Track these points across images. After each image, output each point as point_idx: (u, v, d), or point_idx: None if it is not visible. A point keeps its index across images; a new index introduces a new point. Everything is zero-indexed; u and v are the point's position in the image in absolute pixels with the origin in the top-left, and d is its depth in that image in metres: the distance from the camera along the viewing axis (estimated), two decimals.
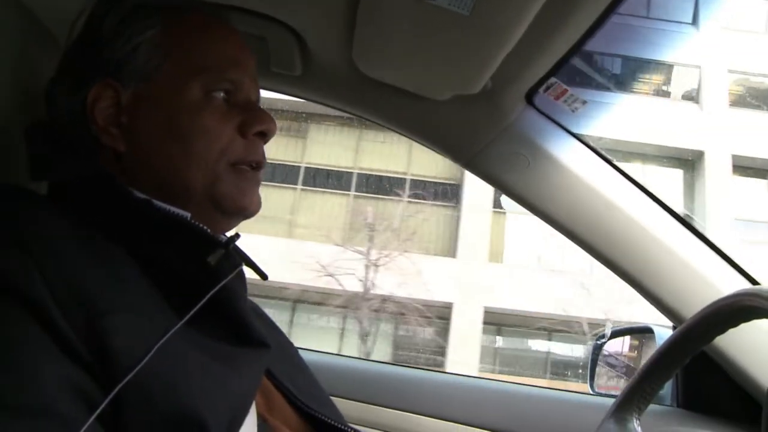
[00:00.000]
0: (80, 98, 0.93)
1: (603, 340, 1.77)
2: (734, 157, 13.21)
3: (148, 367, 0.74)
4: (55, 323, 0.72)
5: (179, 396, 0.76)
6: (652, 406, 1.11)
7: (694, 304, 1.29)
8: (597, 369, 1.75)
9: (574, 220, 1.40)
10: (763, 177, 13.44)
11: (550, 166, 1.39)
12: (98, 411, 0.70)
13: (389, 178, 13.43)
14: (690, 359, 1.02)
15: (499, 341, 13.40)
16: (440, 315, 12.35)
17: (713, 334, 0.96)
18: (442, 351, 12.27)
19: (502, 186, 1.43)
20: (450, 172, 13.55)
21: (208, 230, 0.89)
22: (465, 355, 11.83)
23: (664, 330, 1.56)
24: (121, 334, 0.75)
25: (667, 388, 1.54)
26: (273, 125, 0.98)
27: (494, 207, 13.46)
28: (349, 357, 1.77)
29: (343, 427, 1.04)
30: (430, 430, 1.53)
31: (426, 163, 13.24)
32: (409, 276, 11.80)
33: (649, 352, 1.40)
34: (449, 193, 13.72)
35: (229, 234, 0.96)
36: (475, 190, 13.14)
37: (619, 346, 1.80)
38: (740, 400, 1.39)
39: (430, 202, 13.35)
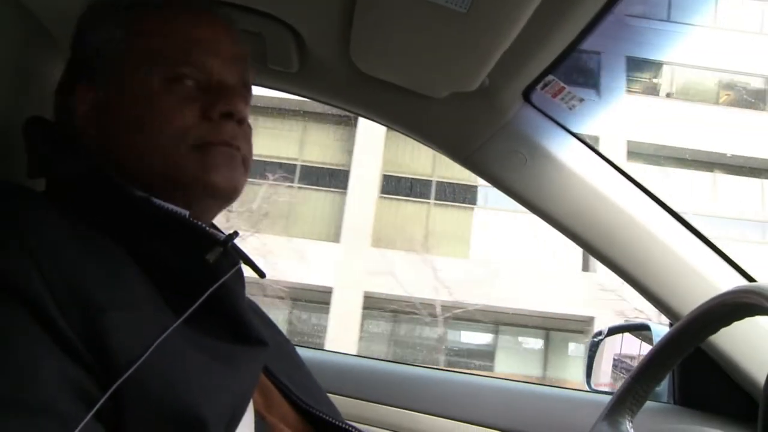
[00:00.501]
0: (70, 102, 0.95)
1: (600, 338, 1.77)
2: None
3: (147, 365, 0.74)
4: (53, 321, 0.72)
5: (178, 393, 0.76)
6: (649, 404, 1.11)
7: (690, 301, 1.30)
8: (593, 366, 1.76)
9: (571, 218, 1.40)
10: None
11: (548, 164, 1.40)
12: (96, 407, 0.70)
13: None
14: (686, 356, 1.02)
15: (379, 326, 13.46)
16: (321, 299, 12.40)
17: (710, 331, 0.96)
18: (321, 334, 12.35)
19: (499, 183, 1.43)
20: (340, 158, 13.74)
21: (207, 228, 0.89)
22: (344, 337, 11.90)
23: (661, 327, 1.57)
24: (120, 331, 0.75)
25: (664, 386, 1.54)
26: (239, 104, 0.95)
27: (381, 193, 13.71)
28: (346, 354, 1.77)
29: (340, 424, 1.04)
30: (427, 427, 1.54)
31: (318, 149, 13.43)
32: (278, 258, 11.70)
33: (646, 349, 1.40)
34: (337, 178, 13.81)
35: (227, 232, 0.96)
36: (362, 175, 13.44)
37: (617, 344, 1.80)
38: (737, 396, 1.39)
39: (312, 186, 13.45)
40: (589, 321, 12.69)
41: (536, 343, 13.98)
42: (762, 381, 0.93)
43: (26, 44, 1.10)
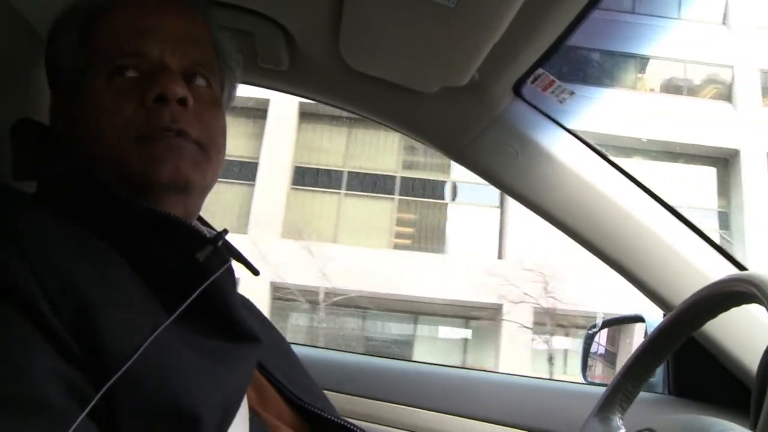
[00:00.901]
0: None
1: (594, 330, 1.77)
2: None
3: (140, 363, 0.74)
4: (46, 320, 0.72)
5: (171, 391, 0.76)
6: (643, 394, 1.12)
7: (682, 292, 1.30)
8: (588, 358, 1.76)
9: (563, 211, 1.41)
10: None
11: (539, 157, 1.40)
12: (90, 406, 0.70)
13: None
14: (680, 346, 1.02)
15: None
16: None
17: (702, 320, 0.96)
18: None
19: (491, 177, 1.44)
20: (250, 151, 14.04)
21: (196, 226, 0.89)
22: None
23: (655, 318, 1.57)
24: (113, 330, 0.75)
25: (659, 376, 1.54)
26: (169, 85, 0.91)
27: (293, 185, 14.17)
28: (342, 351, 1.78)
29: (335, 419, 1.04)
30: (422, 422, 1.54)
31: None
32: None
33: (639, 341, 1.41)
34: (245, 171, 14.16)
35: (218, 229, 0.96)
36: (271, 165, 13.86)
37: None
38: (730, 385, 1.40)
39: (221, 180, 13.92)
40: (466, 304, 13.52)
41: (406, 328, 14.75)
42: (754, 369, 0.94)
43: (14, 45, 1.10)
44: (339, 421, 1.04)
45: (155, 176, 0.89)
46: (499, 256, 14.13)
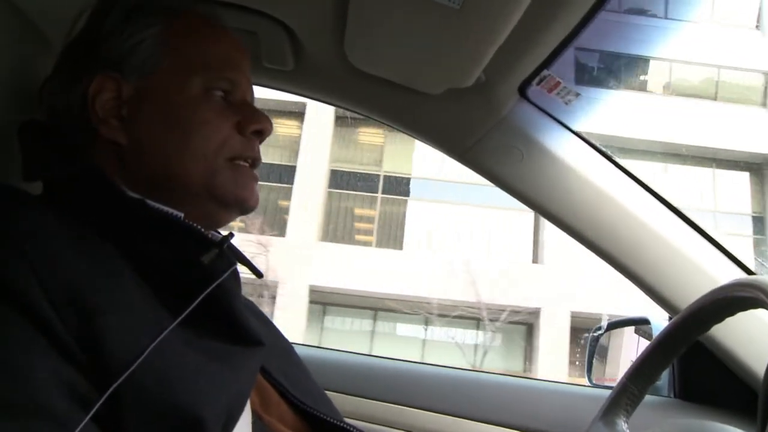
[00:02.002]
0: (80, 91, 0.94)
1: (599, 332, 1.77)
2: None
3: (144, 367, 0.74)
4: (49, 323, 0.72)
5: (175, 394, 0.76)
6: (649, 398, 1.11)
7: (689, 295, 1.30)
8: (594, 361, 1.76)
9: (568, 213, 1.40)
10: None
11: (544, 159, 1.39)
12: (93, 410, 0.71)
13: None
14: (685, 350, 1.02)
15: None
16: None
17: (708, 324, 0.96)
18: None
19: (496, 179, 1.43)
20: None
21: (202, 230, 0.89)
22: None
23: (660, 321, 1.56)
24: (116, 334, 0.75)
25: (665, 380, 1.54)
26: (270, 125, 1.01)
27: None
28: (344, 351, 1.77)
29: (338, 422, 1.04)
30: (425, 423, 1.53)
31: None
32: None
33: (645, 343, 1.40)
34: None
35: (223, 233, 0.96)
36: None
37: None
38: (737, 389, 1.39)
39: None
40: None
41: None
42: (761, 373, 0.93)
43: (19, 45, 1.10)
44: (340, 424, 1.04)
45: (244, 198, 0.98)
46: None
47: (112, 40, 0.95)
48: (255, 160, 1.00)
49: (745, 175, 15.06)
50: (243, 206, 0.98)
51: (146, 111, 0.94)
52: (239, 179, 0.97)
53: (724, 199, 14.72)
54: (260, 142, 1.02)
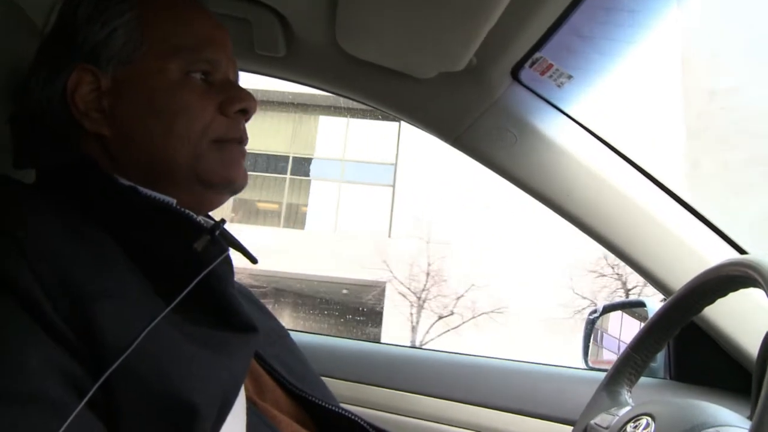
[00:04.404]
0: (59, 85, 0.93)
1: (595, 315, 1.77)
2: None
3: (137, 353, 0.74)
4: (43, 311, 0.72)
5: (169, 381, 0.76)
6: (644, 379, 1.12)
7: (683, 276, 1.29)
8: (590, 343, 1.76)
9: (562, 196, 1.40)
10: None
11: (538, 142, 1.39)
12: (87, 397, 0.71)
13: None
14: (680, 331, 1.02)
15: None
16: None
17: (702, 304, 0.96)
18: None
19: (489, 163, 1.43)
20: None
21: (194, 216, 0.89)
22: None
23: (656, 303, 1.57)
24: (109, 320, 0.75)
25: (660, 361, 1.54)
26: (253, 103, 0.99)
27: None
28: (341, 337, 1.78)
29: (333, 408, 1.04)
30: (422, 408, 1.54)
31: None
32: None
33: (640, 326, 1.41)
34: None
35: (216, 219, 0.96)
36: None
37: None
38: (731, 369, 1.40)
39: None
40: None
41: None
42: (755, 353, 0.94)
43: (13, 37, 1.09)
44: (336, 409, 1.04)
45: (231, 176, 0.97)
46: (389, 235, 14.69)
47: (86, 29, 0.93)
48: (241, 140, 0.99)
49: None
50: (232, 186, 0.97)
51: (126, 101, 0.93)
52: (225, 158, 0.96)
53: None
54: (246, 120, 1.00)
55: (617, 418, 0.97)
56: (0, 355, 0.69)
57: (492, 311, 12.96)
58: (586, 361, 1.75)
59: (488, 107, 1.39)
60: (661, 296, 1.47)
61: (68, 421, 0.68)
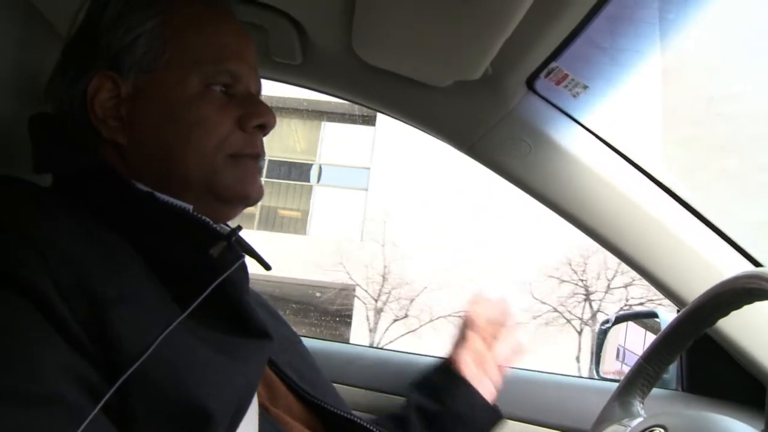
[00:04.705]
0: (80, 90, 0.93)
1: (608, 325, 1.76)
2: None
3: (152, 359, 0.75)
4: (58, 314, 0.72)
5: (183, 387, 0.77)
6: (656, 390, 1.11)
7: (697, 287, 1.29)
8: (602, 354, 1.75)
9: (576, 206, 1.39)
10: None
11: (552, 152, 1.39)
12: (103, 401, 0.71)
13: None
14: (693, 342, 1.02)
15: None
16: None
17: (716, 317, 0.96)
18: None
19: (503, 172, 1.43)
20: None
21: (211, 222, 0.89)
22: None
23: (668, 314, 1.56)
24: (125, 325, 0.75)
25: (672, 372, 1.53)
26: (272, 118, 0.98)
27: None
28: (354, 345, 1.78)
29: (345, 414, 1.04)
30: None
31: None
32: None
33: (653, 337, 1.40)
34: None
35: (232, 225, 0.97)
36: None
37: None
38: (745, 382, 1.39)
39: None
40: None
41: None
42: None
43: (29, 39, 1.10)
44: (347, 415, 1.04)
45: (246, 193, 0.97)
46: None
47: (110, 34, 0.94)
48: (258, 155, 0.99)
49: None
50: (246, 201, 0.98)
51: (145, 111, 0.93)
52: (241, 174, 0.96)
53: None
54: (264, 135, 1.00)
55: (629, 429, 0.97)
56: (16, 356, 0.69)
57: (449, 315, 12.99)
58: (597, 371, 1.74)
59: (503, 117, 1.39)
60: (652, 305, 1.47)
61: (83, 425, 0.68)
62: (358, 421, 1.04)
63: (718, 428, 0.85)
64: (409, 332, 13.48)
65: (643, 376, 1.04)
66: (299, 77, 1.46)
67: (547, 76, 1.32)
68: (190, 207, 0.91)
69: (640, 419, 0.99)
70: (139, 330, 0.76)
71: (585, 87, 1.32)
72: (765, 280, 0.82)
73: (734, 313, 0.93)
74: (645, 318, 1.75)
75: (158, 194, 0.90)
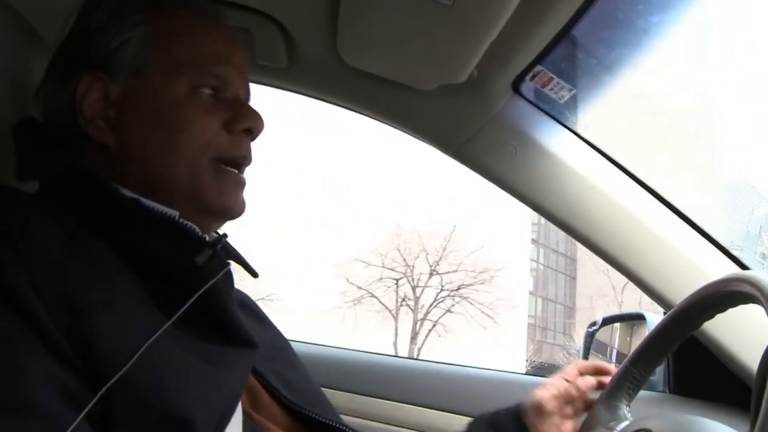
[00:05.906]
0: (70, 92, 0.93)
1: (594, 328, 1.77)
2: None
3: (136, 367, 0.74)
4: (41, 323, 0.72)
5: (167, 395, 0.76)
6: (644, 393, 1.11)
7: (683, 290, 1.29)
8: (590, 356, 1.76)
9: (562, 209, 1.40)
10: None
11: (538, 155, 1.39)
12: (86, 410, 0.70)
13: None
14: (680, 345, 1.02)
15: None
16: None
17: (701, 319, 0.96)
18: None
19: (490, 175, 1.43)
20: None
21: (196, 230, 0.89)
22: None
23: (655, 316, 1.56)
24: (108, 334, 0.75)
25: (659, 375, 1.54)
26: (260, 122, 0.98)
27: None
28: (341, 348, 1.77)
29: (330, 422, 1.03)
30: (423, 419, 1.53)
31: None
32: None
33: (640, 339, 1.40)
34: None
35: (219, 232, 0.96)
36: None
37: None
38: (731, 384, 1.39)
39: None
40: None
41: None
42: (754, 368, 0.94)
43: (13, 44, 1.09)
44: (332, 423, 1.03)
45: (228, 207, 0.95)
46: None
47: (99, 38, 0.93)
48: (243, 159, 0.97)
49: None
50: (227, 214, 0.96)
51: (132, 112, 0.92)
52: (224, 187, 0.94)
53: None
54: (251, 140, 0.99)
55: None
56: None
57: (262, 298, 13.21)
58: None
59: (489, 120, 1.39)
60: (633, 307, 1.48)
61: None
62: (343, 428, 1.04)
63: (704, 430, 0.85)
64: None
65: (629, 379, 1.04)
66: (285, 81, 1.46)
67: (532, 79, 1.32)
68: (176, 213, 0.90)
69: (626, 422, 0.99)
70: (122, 338, 0.76)
71: (570, 90, 1.32)
72: (749, 283, 0.82)
73: (720, 316, 0.93)
74: (632, 320, 1.75)
75: (144, 200, 0.89)
